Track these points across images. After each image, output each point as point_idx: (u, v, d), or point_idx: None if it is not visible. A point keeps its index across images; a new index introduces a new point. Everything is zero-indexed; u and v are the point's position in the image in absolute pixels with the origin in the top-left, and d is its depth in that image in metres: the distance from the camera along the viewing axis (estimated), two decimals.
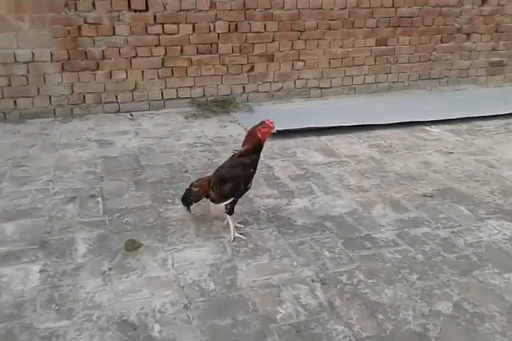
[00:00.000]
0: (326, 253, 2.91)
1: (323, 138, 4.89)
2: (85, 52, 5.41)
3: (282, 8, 5.83)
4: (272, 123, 2.88)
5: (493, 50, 6.95)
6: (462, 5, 6.50)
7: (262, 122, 2.90)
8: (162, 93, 5.86)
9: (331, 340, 2.21)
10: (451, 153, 4.51)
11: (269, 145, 4.66)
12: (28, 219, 3.29)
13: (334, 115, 5.48)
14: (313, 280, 2.65)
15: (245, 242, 3.02)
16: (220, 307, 2.44)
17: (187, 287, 2.60)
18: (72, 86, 5.51)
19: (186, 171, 4.12)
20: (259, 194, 3.67)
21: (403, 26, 6.36)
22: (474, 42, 6.80)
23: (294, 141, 4.83)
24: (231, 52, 5.88)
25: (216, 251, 2.93)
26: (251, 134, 2.94)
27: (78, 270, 2.74)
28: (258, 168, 3.14)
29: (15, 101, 5.38)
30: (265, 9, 5.78)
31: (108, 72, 5.57)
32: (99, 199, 3.61)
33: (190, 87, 5.93)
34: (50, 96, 5.48)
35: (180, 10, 5.51)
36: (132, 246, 2.97)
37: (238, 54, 5.91)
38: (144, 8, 5.40)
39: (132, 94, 5.76)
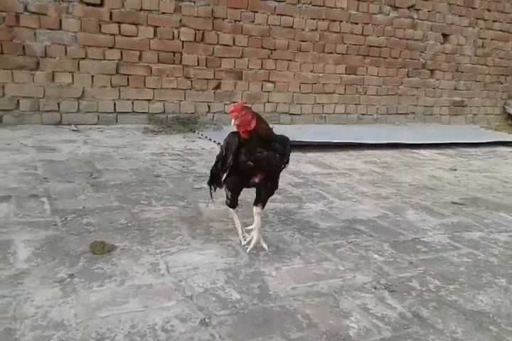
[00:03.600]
0: (376, 256, 2.17)
1: (310, 154, 4.30)
2: (23, 47, 4.50)
3: (253, 21, 5.42)
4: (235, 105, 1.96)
5: (455, 89, 7.00)
6: (426, 40, 6.54)
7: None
8: (115, 105, 5.01)
9: None
10: (455, 170, 4.10)
11: None
12: None
13: (314, 136, 4.94)
14: (375, 288, 1.87)
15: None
16: (257, 322, 1.57)
17: (197, 297, 1.71)
18: (3, 87, 4.53)
19: (158, 176, 3.27)
20: None
21: (372, 56, 6.21)
22: (438, 80, 6.81)
23: None
24: (196, 64, 5.27)
25: (226, 255, 2.08)
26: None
27: (20, 277, 1.75)
28: None
29: None
30: (235, 21, 5.33)
31: (50, 73, 4.66)
32: (43, 199, 2.63)
33: (149, 100, 5.16)
34: None
35: (141, 9, 4.87)
36: (102, 249, 2.03)
37: (204, 67, 5.32)
38: (99, 1, 4.68)
39: (78, 103, 4.86)
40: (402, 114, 6.67)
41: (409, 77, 6.56)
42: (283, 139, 2.13)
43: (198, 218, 2.51)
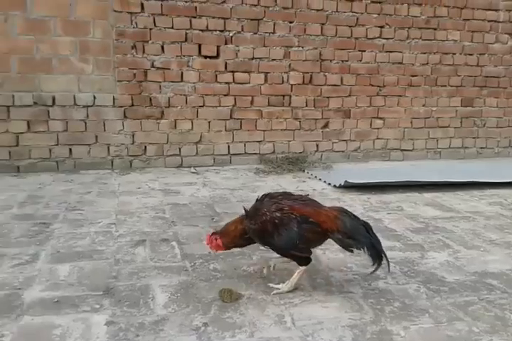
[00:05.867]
0: None
1: (428, 195, 4.13)
2: (150, 99, 5.01)
3: (360, 60, 5.48)
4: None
5: None
6: None
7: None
8: (229, 147, 5.32)
9: None
10: None
11: (365, 199, 3.97)
12: (88, 262, 2.53)
13: (430, 174, 4.74)
14: None
15: (387, 299, 2.15)
16: None
17: None
18: (133, 135, 5.04)
19: None
20: None
21: (490, 87, 5.89)
22: None
23: (392, 196, 4.09)
24: (305, 105, 5.43)
25: (349, 309, 2.06)
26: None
27: (161, 323, 1.90)
28: (364, 219, 2.48)
29: (70, 149, 4.89)
30: (342, 61, 5.42)
31: (173, 121, 5.11)
32: (173, 243, 2.85)
33: (259, 141, 5.40)
34: (108, 146, 4.99)
35: (253, 58, 5.19)
36: (230, 297, 2.14)
37: (312, 108, 5.45)
38: (215, 54, 5.08)
39: (197, 147, 5.24)
40: None
41: None
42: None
43: (317, 266, 2.53)
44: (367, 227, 2.12)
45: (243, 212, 2.26)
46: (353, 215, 2.16)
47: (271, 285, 2.27)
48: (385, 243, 2.87)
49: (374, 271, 2.10)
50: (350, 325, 1.93)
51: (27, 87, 4.67)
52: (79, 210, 3.54)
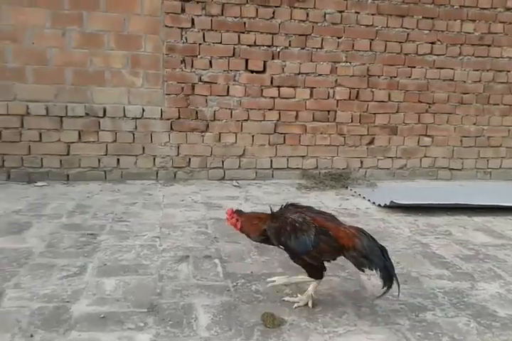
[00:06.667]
0: None
1: (478, 219, 3.97)
2: (196, 112, 5.08)
3: (409, 77, 5.37)
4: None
5: None
6: None
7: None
8: (271, 161, 5.32)
9: None
10: None
11: (412, 221, 3.86)
12: (133, 276, 2.57)
13: (479, 196, 4.56)
14: None
15: (435, 333, 2.07)
16: None
17: None
18: (178, 147, 5.12)
19: None
20: (425, 273, 2.77)
21: None
22: None
23: (441, 218, 3.96)
24: (350, 121, 5.36)
25: None
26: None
27: None
28: (411, 243, 3.19)
29: (118, 160, 5.02)
30: (390, 77, 5.33)
31: (217, 134, 5.17)
32: (216, 261, 2.86)
33: (302, 156, 5.37)
34: (154, 157, 5.10)
35: (299, 73, 5.17)
36: (272, 323, 2.12)
37: (358, 124, 5.38)
38: (262, 69, 5.11)
39: (239, 161, 5.26)
40: None
41: None
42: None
43: (362, 293, 2.48)
44: (383, 250, 2.13)
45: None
46: (371, 236, 2.18)
47: (286, 298, 2.33)
48: (433, 270, 2.82)
49: (383, 293, 2.10)
50: None
51: (80, 99, 4.85)
52: (125, 221, 3.62)
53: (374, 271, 2.11)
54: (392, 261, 2.14)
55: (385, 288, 2.09)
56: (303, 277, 2.31)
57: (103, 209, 3.92)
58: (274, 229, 2.22)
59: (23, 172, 4.84)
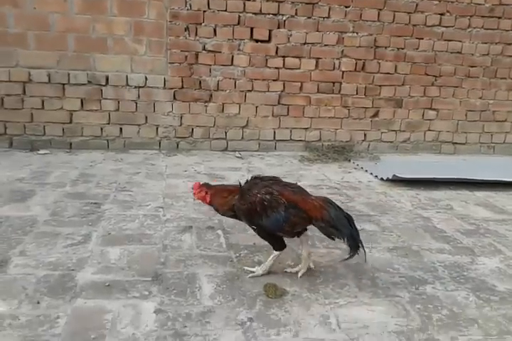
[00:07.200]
0: None
1: (480, 194, 3.99)
2: (200, 82, 5.01)
3: (417, 49, 5.26)
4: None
5: None
6: None
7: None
8: (274, 133, 5.29)
9: None
10: None
11: (414, 195, 3.87)
12: (137, 246, 2.60)
13: (484, 170, 4.56)
14: None
15: (434, 306, 2.11)
16: None
17: None
18: (181, 117, 5.08)
19: None
20: (425, 246, 2.80)
21: None
22: None
23: (442, 193, 3.97)
24: (355, 93, 5.29)
25: (395, 314, 2.04)
26: None
27: (207, 315, 1.95)
28: (412, 217, 3.27)
29: (120, 129, 4.99)
30: (397, 49, 5.22)
31: (220, 105, 5.11)
32: (219, 232, 2.89)
33: (306, 128, 5.33)
34: (157, 127, 5.06)
35: (305, 43, 5.06)
36: (274, 293, 2.16)
37: (363, 96, 5.31)
38: (267, 38, 4.98)
39: (242, 132, 5.23)
40: None
41: None
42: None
43: (363, 266, 2.50)
44: (349, 219, 2.20)
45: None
46: (338, 206, 2.23)
47: (245, 268, 2.37)
48: (434, 244, 2.85)
49: (348, 257, 2.17)
50: (397, 332, 1.91)
51: (82, 66, 4.77)
52: (128, 191, 3.64)
53: (341, 239, 2.17)
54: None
55: (350, 254, 2.16)
56: (273, 255, 2.32)
57: (106, 179, 3.93)
58: (243, 211, 2.22)
59: (26, 140, 4.82)
